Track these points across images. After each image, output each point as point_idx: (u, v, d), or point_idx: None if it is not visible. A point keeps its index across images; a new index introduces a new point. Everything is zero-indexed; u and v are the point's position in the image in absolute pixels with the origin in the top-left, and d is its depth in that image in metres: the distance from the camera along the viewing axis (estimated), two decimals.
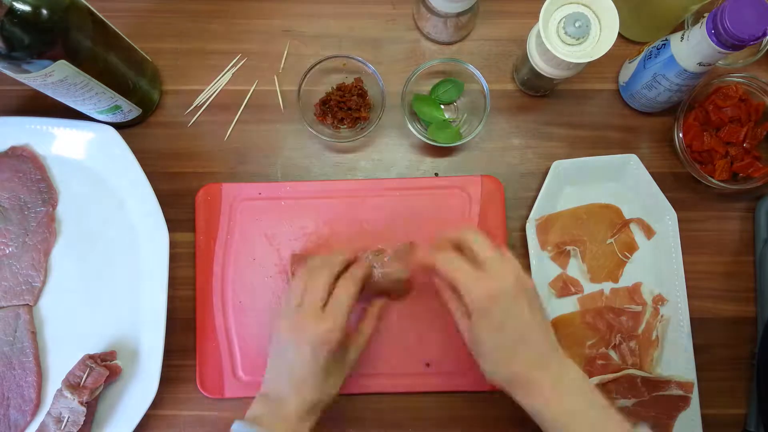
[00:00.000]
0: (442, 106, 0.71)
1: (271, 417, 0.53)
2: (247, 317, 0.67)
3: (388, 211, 0.68)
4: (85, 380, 0.61)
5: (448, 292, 0.56)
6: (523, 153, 0.72)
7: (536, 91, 0.72)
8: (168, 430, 0.67)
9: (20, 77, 0.54)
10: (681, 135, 0.66)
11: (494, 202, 0.69)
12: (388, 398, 0.67)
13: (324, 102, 0.69)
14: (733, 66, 0.70)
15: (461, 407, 0.67)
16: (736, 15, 0.53)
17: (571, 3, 0.59)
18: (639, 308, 0.67)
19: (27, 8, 0.49)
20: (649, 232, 0.69)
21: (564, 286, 0.68)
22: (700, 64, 0.59)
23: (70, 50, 0.54)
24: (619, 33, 0.58)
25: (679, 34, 0.60)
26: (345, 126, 0.69)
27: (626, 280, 0.69)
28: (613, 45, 0.58)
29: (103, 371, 0.61)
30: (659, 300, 0.68)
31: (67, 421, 0.61)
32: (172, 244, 0.67)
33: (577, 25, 0.58)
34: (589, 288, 0.68)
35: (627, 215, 0.69)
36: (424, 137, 0.67)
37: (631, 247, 0.69)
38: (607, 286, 0.68)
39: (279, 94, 0.72)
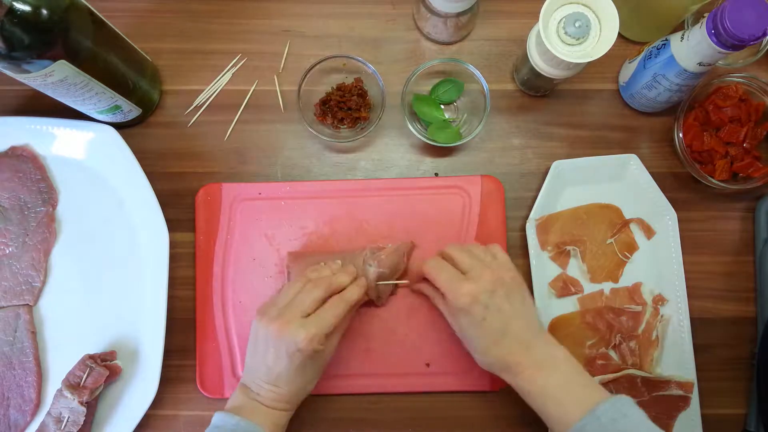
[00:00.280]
0: (442, 106, 0.71)
1: (251, 406, 0.56)
2: (247, 317, 0.67)
3: (388, 211, 0.68)
4: (85, 380, 0.61)
5: (436, 295, 0.62)
6: (523, 153, 0.72)
7: (536, 91, 0.72)
8: (168, 430, 0.67)
9: (20, 77, 0.54)
10: (681, 135, 0.66)
11: (494, 202, 0.69)
12: (388, 398, 0.67)
13: (324, 102, 0.69)
14: (733, 66, 0.70)
15: (461, 407, 0.67)
16: (736, 15, 0.53)
17: (571, 3, 0.59)
18: (639, 308, 0.67)
19: (27, 8, 0.49)
20: (649, 232, 0.69)
21: (564, 286, 0.68)
22: (700, 64, 0.59)
23: (70, 50, 0.54)
24: (619, 33, 0.58)
25: (679, 34, 0.60)
26: (345, 126, 0.69)
27: (626, 280, 0.69)
28: (613, 45, 0.58)
29: (103, 371, 0.61)
30: (659, 300, 0.68)
31: (67, 421, 0.61)
32: (172, 244, 0.67)
33: (577, 25, 0.58)
34: (589, 288, 0.68)
35: (627, 215, 0.69)
36: (424, 137, 0.67)
37: (631, 247, 0.69)
38: (607, 286, 0.68)
39: (279, 94, 0.72)
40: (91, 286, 0.67)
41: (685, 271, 0.68)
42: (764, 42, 0.69)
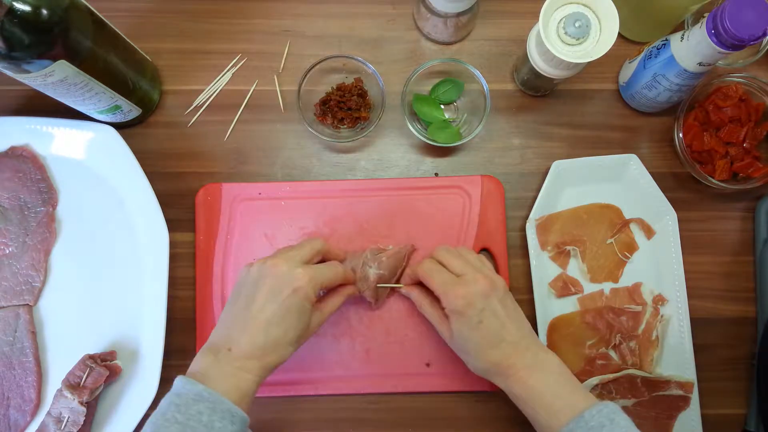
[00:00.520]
0: (442, 106, 0.71)
1: (216, 370, 0.51)
2: None
3: (388, 211, 0.68)
4: (85, 380, 0.61)
5: (424, 302, 0.62)
6: (523, 153, 0.72)
7: (536, 91, 0.72)
8: None
9: (20, 77, 0.54)
10: (681, 135, 0.66)
11: (494, 202, 0.69)
12: (388, 398, 0.67)
13: (324, 102, 0.69)
14: (733, 66, 0.70)
15: (461, 407, 0.67)
16: (736, 15, 0.53)
17: (571, 3, 0.59)
18: (639, 308, 0.67)
19: (27, 8, 0.49)
20: (649, 232, 0.69)
21: (564, 286, 0.68)
22: (700, 64, 0.59)
23: (70, 50, 0.54)
24: (619, 33, 0.58)
25: (679, 34, 0.60)
26: (345, 126, 0.69)
27: (626, 280, 0.69)
28: (613, 45, 0.58)
29: (103, 371, 0.61)
30: (659, 300, 0.68)
31: (67, 421, 0.61)
32: (172, 244, 0.67)
33: (577, 25, 0.58)
34: (589, 288, 0.68)
35: (627, 215, 0.69)
36: (424, 137, 0.67)
37: (631, 247, 0.69)
38: (607, 286, 0.68)
39: (279, 94, 0.72)
40: (91, 286, 0.67)
41: (685, 271, 0.68)
42: (764, 42, 0.69)
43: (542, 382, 0.54)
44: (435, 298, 0.60)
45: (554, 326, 0.67)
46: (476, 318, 0.55)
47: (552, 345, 0.66)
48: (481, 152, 0.72)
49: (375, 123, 0.67)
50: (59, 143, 0.68)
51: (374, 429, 0.67)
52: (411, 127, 0.67)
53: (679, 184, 0.71)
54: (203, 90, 0.72)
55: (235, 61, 0.72)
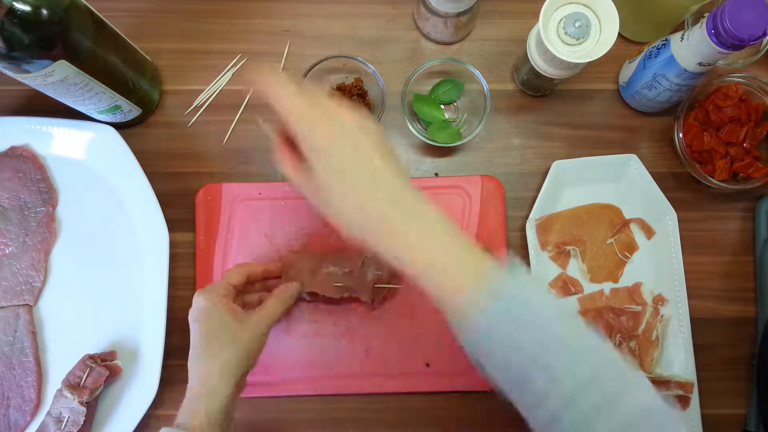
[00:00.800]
0: (442, 106, 0.71)
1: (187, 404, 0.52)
2: None
3: None
4: (85, 380, 0.61)
5: (278, 140, 0.48)
6: (523, 153, 0.72)
7: (536, 91, 0.72)
8: None
9: (20, 77, 0.54)
10: (681, 135, 0.66)
11: (494, 202, 0.69)
12: (388, 398, 0.67)
13: None
14: (733, 66, 0.70)
15: (461, 407, 0.67)
16: (736, 15, 0.53)
17: (571, 3, 0.59)
18: (639, 308, 0.67)
19: (27, 8, 0.49)
20: (649, 232, 0.69)
21: (564, 286, 0.68)
22: (700, 64, 0.59)
23: (70, 50, 0.54)
24: (619, 33, 0.58)
25: (679, 34, 0.60)
26: None
27: (626, 280, 0.69)
28: (613, 45, 0.58)
29: (103, 371, 0.61)
30: (659, 300, 0.68)
31: (67, 421, 0.61)
32: (172, 244, 0.67)
33: (577, 25, 0.58)
34: (589, 288, 0.68)
35: (627, 215, 0.69)
36: (424, 137, 0.67)
37: (631, 247, 0.69)
38: (607, 286, 0.68)
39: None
40: (91, 286, 0.67)
41: (685, 271, 0.68)
42: (764, 42, 0.69)
43: (440, 248, 0.43)
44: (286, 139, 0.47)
45: None
46: (341, 157, 0.43)
47: None
48: (481, 152, 0.72)
49: None
50: (59, 143, 0.68)
51: (374, 429, 0.67)
52: (411, 127, 0.66)
53: (679, 184, 0.71)
54: (203, 90, 0.72)
55: (235, 61, 0.72)
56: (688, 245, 0.68)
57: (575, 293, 0.68)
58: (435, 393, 0.67)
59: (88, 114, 0.66)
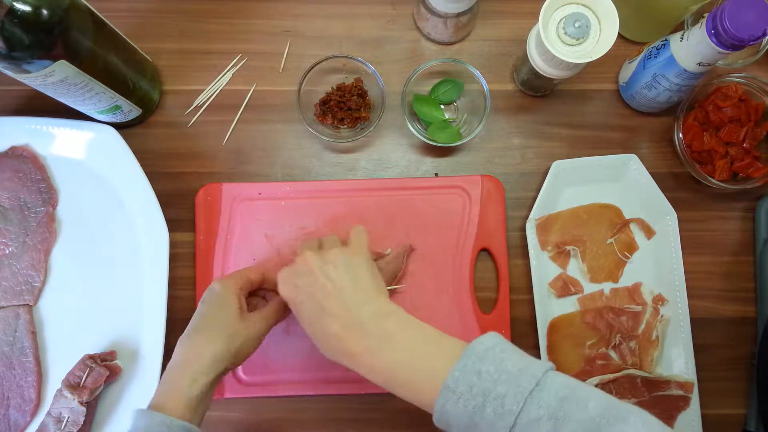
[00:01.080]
0: (442, 106, 0.71)
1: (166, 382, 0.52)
2: None
3: (388, 211, 0.68)
4: (85, 380, 0.61)
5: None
6: (523, 153, 0.72)
7: (536, 91, 0.72)
8: None
9: (20, 77, 0.54)
10: (681, 135, 0.66)
11: (494, 202, 0.69)
12: (387, 398, 0.67)
13: (324, 102, 0.69)
14: (733, 66, 0.70)
15: None
16: (736, 15, 0.53)
17: (571, 3, 0.59)
18: (639, 308, 0.67)
19: (27, 8, 0.49)
20: (649, 232, 0.69)
21: (564, 286, 0.68)
22: (699, 64, 0.59)
23: (70, 50, 0.54)
24: (619, 33, 0.58)
25: (679, 34, 0.60)
26: (345, 126, 0.69)
27: (626, 280, 0.69)
28: (613, 45, 0.58)
29: (103, 371, 0.61)
30: (659, 300, 0.68)
31: (67, 421, 0.61)
32: (172, 244, 0.67)
33: (577, 25, 0.58)
34: (589, 288, 0.68)
35: (627, 215, 0.69)
36: (424, 137, 0.67)
37: (631, 247, 0.69)
38: (607, 286, 0.68)
39: (279, 94, 0.72)
40: (91, 286, 0.67)
41: (685, 271, 0.68)
42: (764, 42, 0.69)
43: (391, 361, 0.48)
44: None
45: (554, 326, 0.67)
46: (299, 295, 0.52)
47: (552, 345, 0.66)
48: (481, 152, 0.72)
49: (375, 123, 0.67)
50: (59, 143, 0.68)
51: (374, 429, 0.67)
52: (411, 127, 0.67)
53: (679, 184, 0.71)
54: (203, 90, 0.72)
55: (235, 61, 0.72)
56: (688, 245, 0.69)
57: (575, 293, 0.68)
58: None
59: (88, 114, 0.66)
